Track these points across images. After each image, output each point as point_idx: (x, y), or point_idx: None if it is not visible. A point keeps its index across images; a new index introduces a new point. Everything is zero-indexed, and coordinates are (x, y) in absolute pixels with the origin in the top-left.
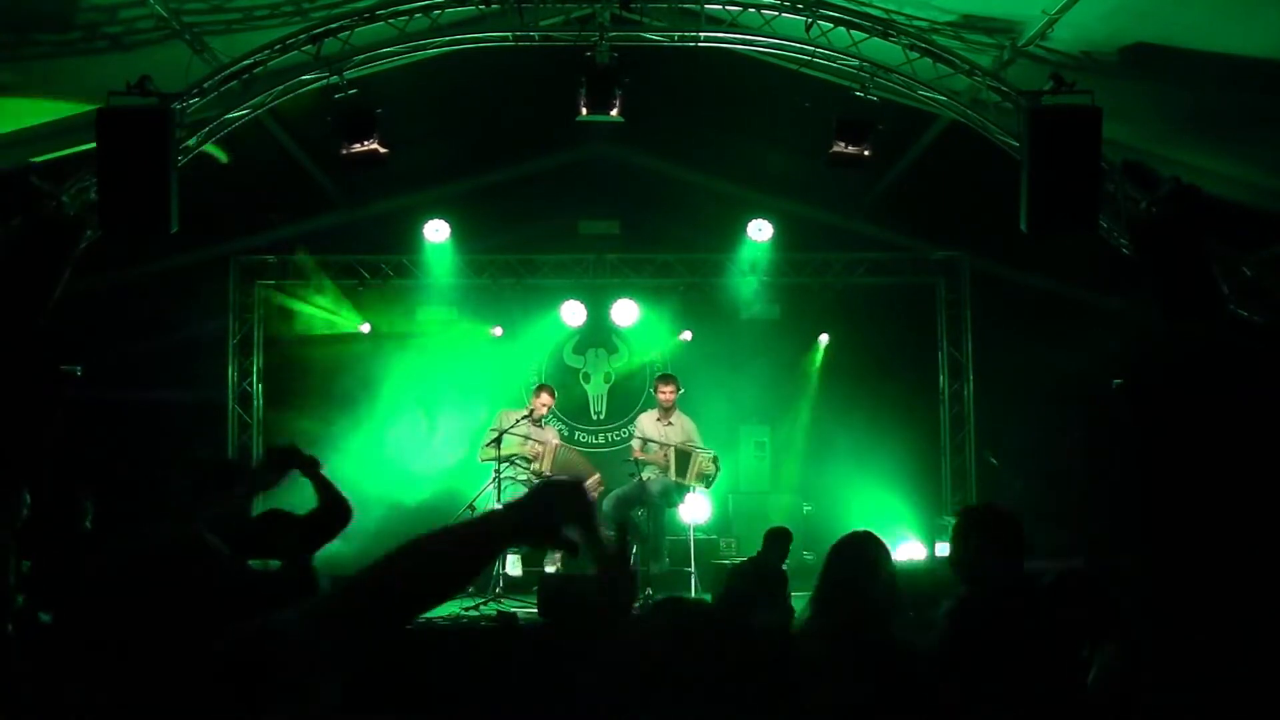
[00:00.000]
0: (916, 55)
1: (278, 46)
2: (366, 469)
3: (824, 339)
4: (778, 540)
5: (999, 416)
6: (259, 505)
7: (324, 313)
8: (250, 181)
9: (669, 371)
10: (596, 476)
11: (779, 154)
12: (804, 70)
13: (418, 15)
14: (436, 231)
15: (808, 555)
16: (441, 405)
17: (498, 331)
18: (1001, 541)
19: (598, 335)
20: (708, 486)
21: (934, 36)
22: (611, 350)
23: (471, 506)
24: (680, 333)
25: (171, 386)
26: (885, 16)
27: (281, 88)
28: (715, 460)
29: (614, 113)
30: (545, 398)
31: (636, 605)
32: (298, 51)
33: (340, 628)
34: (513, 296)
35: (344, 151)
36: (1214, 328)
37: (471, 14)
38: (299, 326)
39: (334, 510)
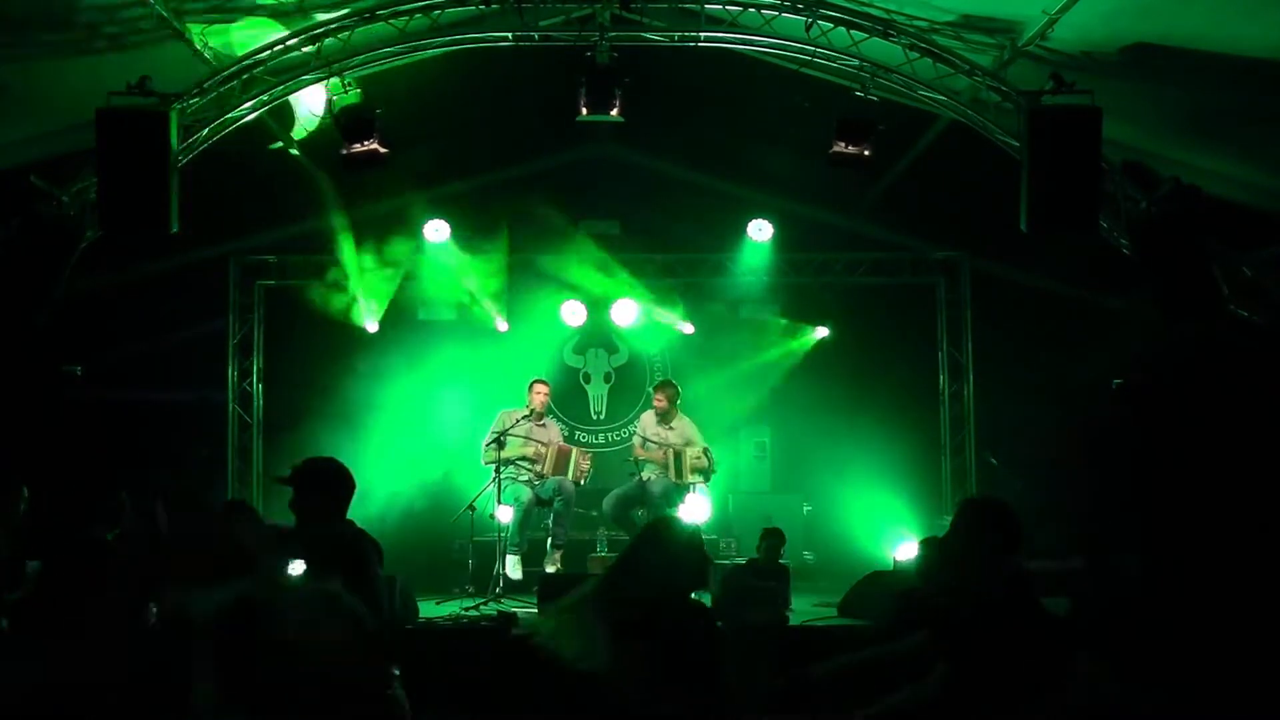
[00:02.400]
0: (916, 55)
1: (278, 46)
2: (367, 466)
3: (822, 332)
4: (765, 539)
5: (999, 416)
6: None
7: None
8: (250, 181)
9: (668, 374)
10: (578, 451)
11: (779, 154)
12: (804, 70)
13: (418, 15)
14: (436, 231)
15: (808, 555)
16: (441, 405)
17: (503, 326)
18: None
19: (598, 335)
20: (706, 480)
21: (934, 36)
22: (611, 350)
23: (472, 507)
24: (681, 324)
25: (171, 386)
26: (885, 16)
27: (282, 88)
28: (706, 452)
29: (614, 113)
30: (539, 387)
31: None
32: (298, 52)
33: None
34: (512, 296)
35: (344, 151)
36: (1214, 328)
37: (471, 14)
38: (304, 322)
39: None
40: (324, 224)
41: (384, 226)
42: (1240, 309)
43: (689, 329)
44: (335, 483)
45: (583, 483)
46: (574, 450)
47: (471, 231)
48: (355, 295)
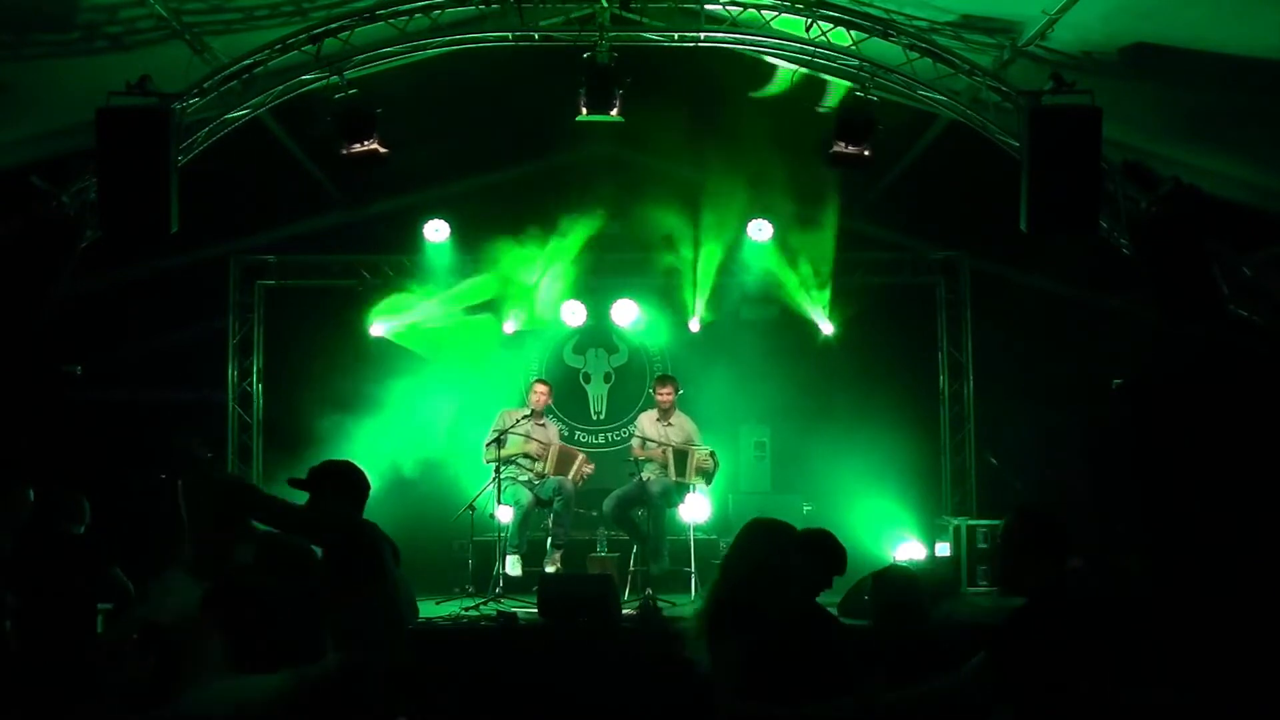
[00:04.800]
0: (916, 55)
1: (278, 46)
2: (367, 465)
3: (822, 331)
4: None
5: (999, 416)
6: None
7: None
8: (250, 181)
9: (668, 372)
10: (583, 456)
11: (779, 154)
12: (804, 70)
13: (418, 15)
14: (436, 231)
15: None
16: (442, 404)
17: (509, 328)
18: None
19: (598, 335)
20: (708, 482)
21: (934, 36)
22: (612, 350)
23: (472, 507)
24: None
25: (171, 386)
26: (885, 16)
27: (281, 88)
28: (713, 455)
29: (614, 113)
30: (540, 388)
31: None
32: (298, 51)
33: None
34: (513, 297)
35: (344, 151)
36: (1214, 328)
37: (471, 14)
38: (304, 322)
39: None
40: (324, 224)
41: (384, 226)
42: (1240, 309)
43: (695, 326)
44: (350, 484)
45: (580, 483)
46: (579, 456)
47: (472, 231)
48: (356, 295)
